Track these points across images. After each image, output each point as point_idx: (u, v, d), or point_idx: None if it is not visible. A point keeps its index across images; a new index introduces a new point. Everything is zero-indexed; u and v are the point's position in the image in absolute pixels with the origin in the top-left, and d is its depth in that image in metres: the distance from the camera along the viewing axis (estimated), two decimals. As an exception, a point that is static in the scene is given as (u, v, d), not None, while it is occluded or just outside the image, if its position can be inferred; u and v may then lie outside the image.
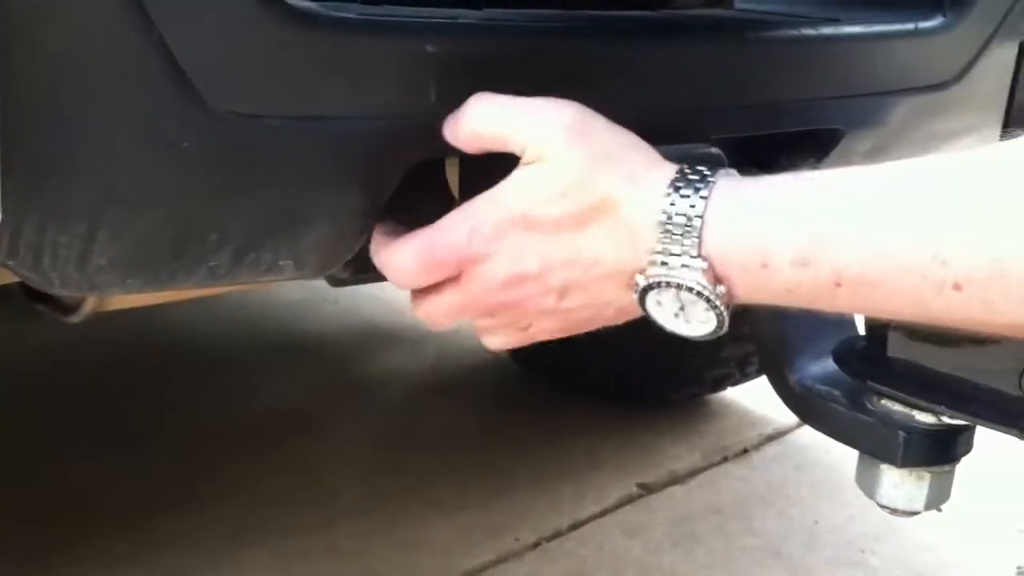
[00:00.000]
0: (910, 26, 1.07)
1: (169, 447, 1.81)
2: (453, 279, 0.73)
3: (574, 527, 1.66)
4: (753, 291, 0.68)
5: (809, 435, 1.97)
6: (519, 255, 0.71)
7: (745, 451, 1.94)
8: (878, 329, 0.83)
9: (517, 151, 0.71)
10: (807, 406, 0.88)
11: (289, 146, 0.71)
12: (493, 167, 0.72)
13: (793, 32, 1.01)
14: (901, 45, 1.09)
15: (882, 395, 0.83)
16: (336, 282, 0.86)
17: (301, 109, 0.70)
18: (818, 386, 0.87)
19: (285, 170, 0.72)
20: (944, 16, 1.08)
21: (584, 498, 1.74)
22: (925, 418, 0.82)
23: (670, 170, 0.70)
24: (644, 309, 0.71)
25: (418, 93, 0.74)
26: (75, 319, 0.93)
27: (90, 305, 0.93)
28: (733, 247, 0.67)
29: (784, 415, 2.01)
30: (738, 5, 1.15)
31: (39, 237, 0.65)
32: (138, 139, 0.66)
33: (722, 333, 0.70)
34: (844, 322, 0.88)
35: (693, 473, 1.85)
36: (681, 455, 1.90)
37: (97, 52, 0.63)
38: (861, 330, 0.88)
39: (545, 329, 0.76)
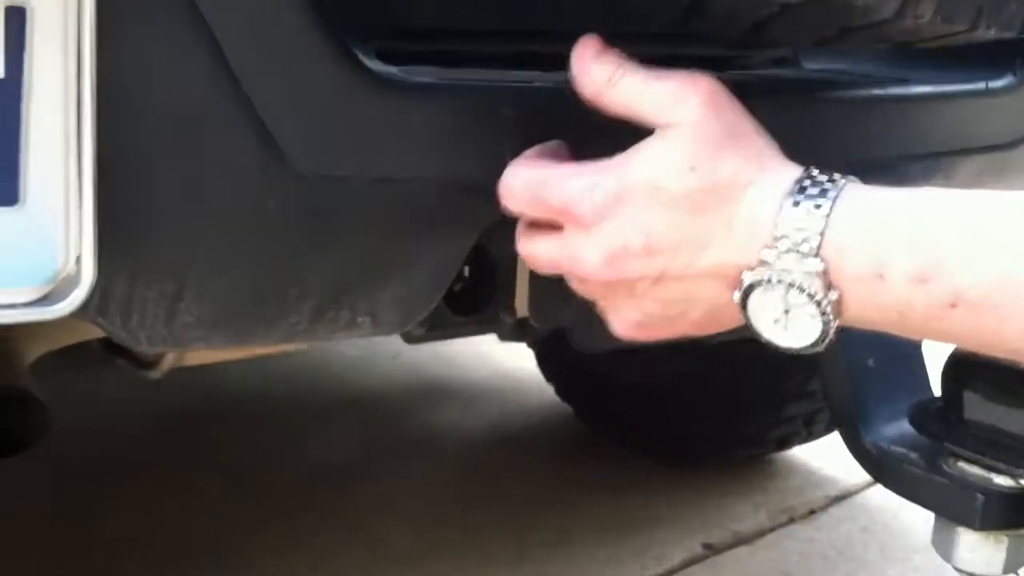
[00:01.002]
0: (980, 86, 1.07)
1: (224, 500, 1.82)
2: (557, 228, 0.71)
3: (638, 587, 1.65)
4: (864, 305, 0.66)
5: (876, 497, 1.93)
6: (627, 229, 0.68)
7: (812, 512, 1.91)
8: (954, 391, 0.82)
9: (648, 116, 0.70)
10: (883, 467, 0.87)
11: (369, 207, 0.73)
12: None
13: (862, 92, 1.02)
14: (970, 104, 1.09)
15: (959, 457, 0.82)
16: (412, 339, 0.88)
17: (381, 171, 0.72)
18: (894, 448, 0.86)
19: (365, 230, 0.74)
20: (1015, 75, 1.08)
21: (647, 557, 1.72)
22: (1003, 481, 0.81)
23: (796, 167, 0.68)
24: (744, 309, 0.68)
25: (494, 155, 0.75)
26: (155, 375, 0.95)
27: (170, 360, 0.95)
28: (852, 253, 0.65)
29: (851, 476, 1.99)
30: (806, 65, 1.16)
31: (129, 295, 0.67)
32: (225, 201, 0.68)
33: (820, 348, 0.68)
34: (917, 383, 0.87)
35: (759, 533, 1.82)
36: (746, 515, 1.87)
37: (188, 118, 0.65)
38: (934, 391, 0.87)
39: (625, 318, 0.73)
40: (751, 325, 0.69)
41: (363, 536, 1.72)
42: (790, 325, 0.67)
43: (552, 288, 0.78)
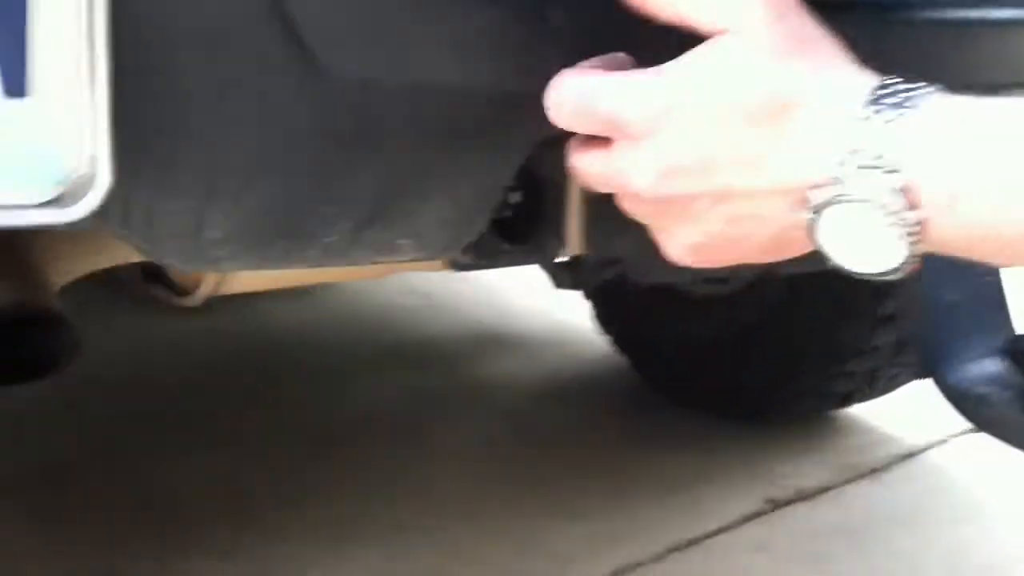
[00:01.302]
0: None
1: (279, 447, 1.81)
2: (606, 140, 0.66)
3: (697, 540, 1.61)
4: (950, 224, 0.59)
5: (941, 457, 1.89)
6: (680, 143, 0.62)
7: (875, 470, 1.86)
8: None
9: (702, 23, 0.63)
10: (974, 408, 0.82)
11: (409, 115, 0.68)
12: None
13: (936, 14, 0.96)
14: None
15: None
16: (459, 266, 0.83)
17: (417, 75, 0.67)
18: (984, 387, 0.81)
19: (402, 140, 0.69)
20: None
21: (707, 511, 1.69)
22: (1102, 422, 0.76)
23: (871, 76, 0.62)
24: (815, 230, 0.62)
25: (543, 64, 0.69)
26: (190, 302, 0.92)
27: (207, 288, 0.91)
28: (939, 168, 0.59)
29: (915, 435, 1.95)
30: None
31: (151, 206, 0.64)
32: (252, 105, 0.64)
33: (899, 274, 0.62)
34: (1002, 319, 0.82)
35: (822, 490, 1.78)
36: (808, 471, 1.83)
37: (211, 17, 0.61)
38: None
39: (681, 241, 0.67)
40: (822, 248, 0.63)
41: (415, 488, 1.70)
42: (868, 247, 0.61)
43: (605, 215, 0.73)
